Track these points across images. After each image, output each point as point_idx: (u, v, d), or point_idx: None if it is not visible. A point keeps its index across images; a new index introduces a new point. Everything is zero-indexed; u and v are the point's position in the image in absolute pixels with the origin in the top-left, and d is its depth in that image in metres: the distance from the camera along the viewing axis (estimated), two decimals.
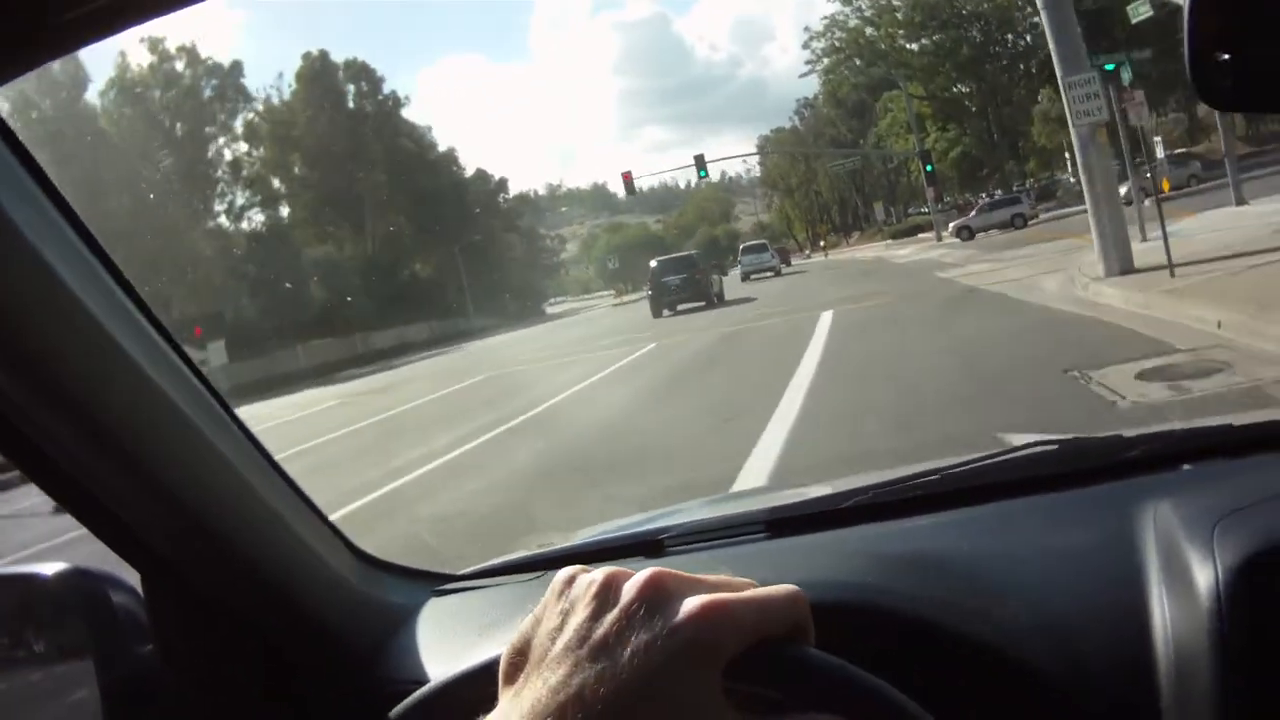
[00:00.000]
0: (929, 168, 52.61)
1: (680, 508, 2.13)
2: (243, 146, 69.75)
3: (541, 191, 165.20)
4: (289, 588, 1.44)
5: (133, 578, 1.33)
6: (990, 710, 1.27)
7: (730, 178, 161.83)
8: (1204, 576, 1.26)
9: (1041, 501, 1.59)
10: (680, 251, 48.31)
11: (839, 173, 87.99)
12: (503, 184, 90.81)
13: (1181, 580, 1.29)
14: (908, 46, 66.68)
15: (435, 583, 1.74)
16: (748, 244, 62.61)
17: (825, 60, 72.41)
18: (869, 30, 68.74)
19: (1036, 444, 1.75)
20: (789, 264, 57.20)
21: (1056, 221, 40.72)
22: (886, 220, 78.53)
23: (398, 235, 73.58)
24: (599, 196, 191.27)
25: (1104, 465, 1.64)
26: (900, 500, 1.66)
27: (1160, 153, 29.23)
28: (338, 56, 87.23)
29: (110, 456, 1.22)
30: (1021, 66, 63.87)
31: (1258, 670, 1.19)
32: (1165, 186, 31.81)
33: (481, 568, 1.78)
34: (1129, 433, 1.76)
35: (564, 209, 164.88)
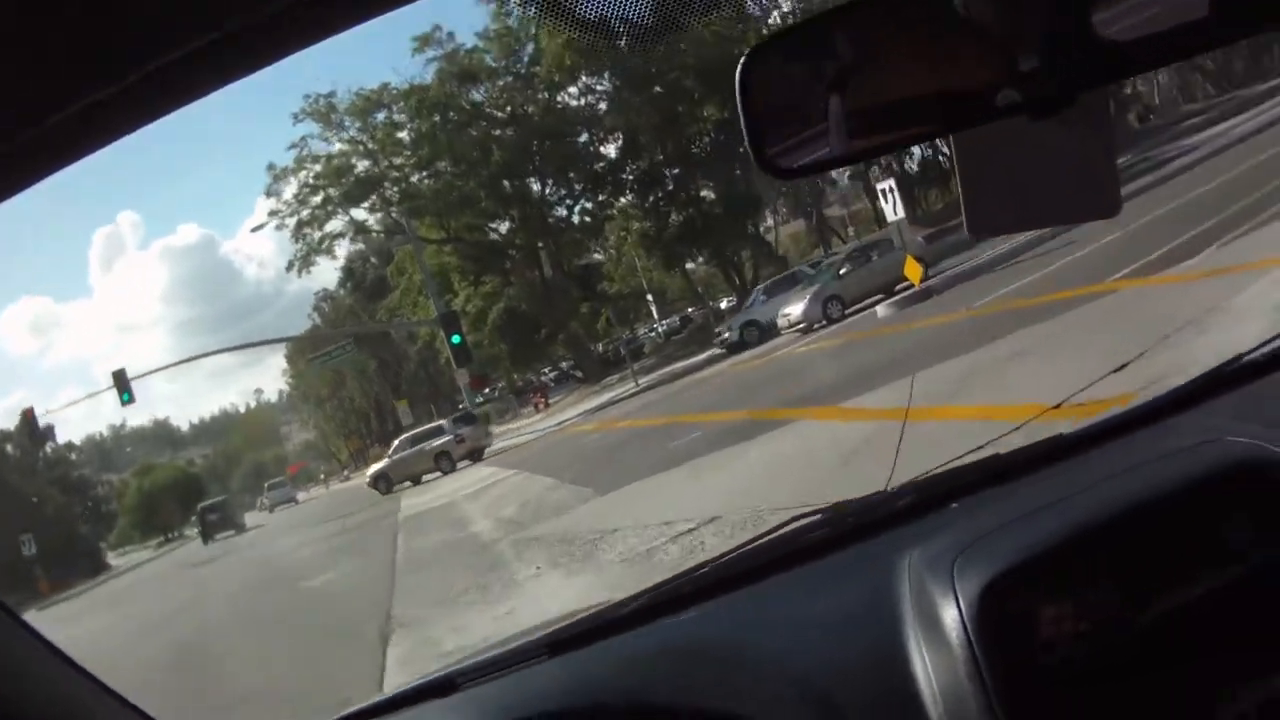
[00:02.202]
0: (455, 339, 35.50)
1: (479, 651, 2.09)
2: None
3: (105, 433, 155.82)
4: None
5: None
6: None
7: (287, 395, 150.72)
8: (949, 614, 1.36)
9: (806, 571, 1.68)
10: (219, 494, 67.60)
11: (367, 372, 72.88)
12: (48, 431, 74.19)
13: (933, 622, 1.38)
14: (414, 179, 45.82)
15: None
16: (271, 482, 70.50)
17: (305, 210, 48.48)
18: (362, 164, 47.09)
19: (798, 517, 1.82)
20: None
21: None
22: (420, 423, 59.26)
23: None
24: (162, 432, 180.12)
25: (866, 524, 1.73)
26: (674, 598, 1.72)
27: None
28: None
29: None
30: (584, 178, 44.72)
31: (1018, 692, 1.29)
32: (913, 272, 20.83)
33: None
34: (894, 486, 1.82)
35: (129, 449, 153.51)
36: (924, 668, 1.35)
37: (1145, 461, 1.56)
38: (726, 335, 31.77)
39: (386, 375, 71.77)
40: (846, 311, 24.97)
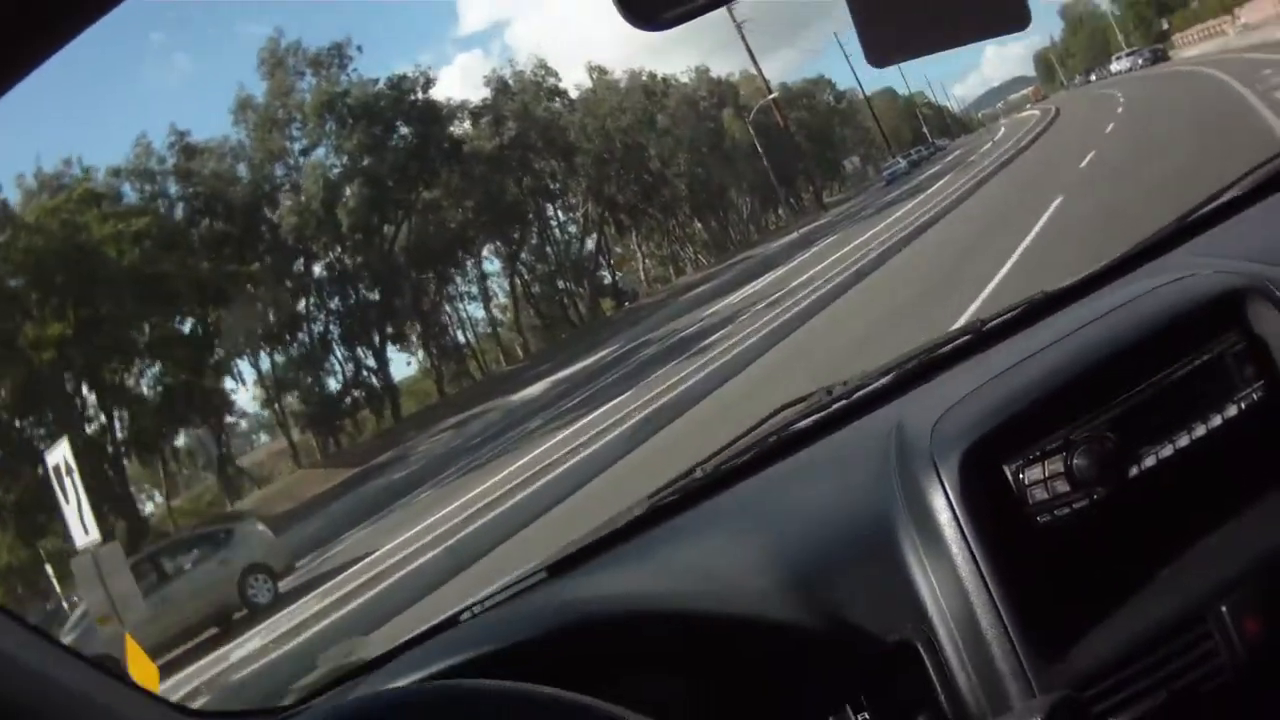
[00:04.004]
0: None
1: None
2: None
3: None
4: None
5: None
6: (773, 675, 1.29)
7: None
8: (932, 488, 1.31)
9: (793, 462, 1.64)
10: None
11: None
12: None
13: (918, 498, 1.34)
14: None
15: (265, 719, 1.62)
16: None
17: None
18: None
19: (783, 407, 1.80)
20: None
21: None
22: None
23: None
24: None
25: (852, 406, 1.69)
26: (667, 506, 1.69)
27: None
28: None
29: None
30: None
31: (1011, 561, 1.25)
32: (141, 670, 7.71)
33: (301, 695, 1.71)
34: (890, 361, 1.74)
35: None
36: (915, 549, 1.31)
37: (1124, 302, 1.49)
38: None
39: None
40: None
